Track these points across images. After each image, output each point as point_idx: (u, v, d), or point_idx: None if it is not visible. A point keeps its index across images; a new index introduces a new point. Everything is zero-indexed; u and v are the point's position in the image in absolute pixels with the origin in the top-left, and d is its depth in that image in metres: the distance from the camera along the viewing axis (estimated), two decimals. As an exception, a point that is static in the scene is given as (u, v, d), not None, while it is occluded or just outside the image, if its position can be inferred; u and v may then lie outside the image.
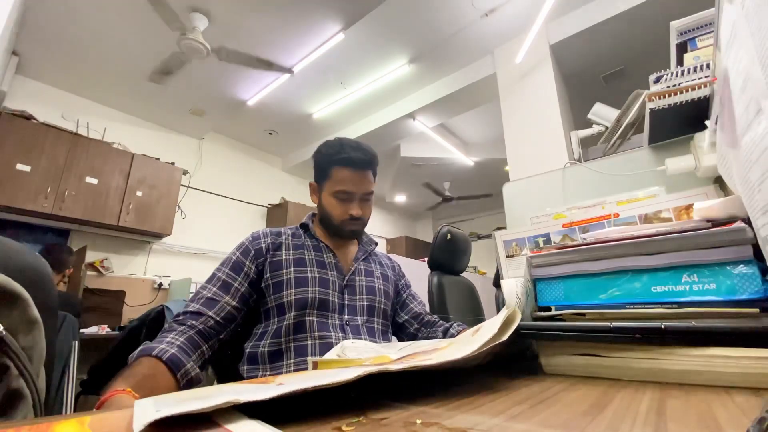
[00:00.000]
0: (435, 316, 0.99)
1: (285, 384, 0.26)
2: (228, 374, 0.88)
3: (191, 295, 0.79)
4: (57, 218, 3.05)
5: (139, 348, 0.65)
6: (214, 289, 0.79)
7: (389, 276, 1.00)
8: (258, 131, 4.47)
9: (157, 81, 3.10)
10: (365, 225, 0.94)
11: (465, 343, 0.36)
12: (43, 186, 2.90)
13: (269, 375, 0.78)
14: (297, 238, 0.92)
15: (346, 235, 0.92)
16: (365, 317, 0.87)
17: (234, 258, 0.85)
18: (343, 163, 0.87)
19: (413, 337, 0.96)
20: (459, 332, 0.89)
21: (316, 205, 0.96)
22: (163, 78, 3.04)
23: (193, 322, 0.73)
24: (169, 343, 0.66)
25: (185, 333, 0.71)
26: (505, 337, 0.32)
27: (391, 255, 1.10)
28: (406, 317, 0.99)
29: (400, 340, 0.99)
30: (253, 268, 0.84)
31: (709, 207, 0.47)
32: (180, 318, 0.74)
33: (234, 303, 0.79)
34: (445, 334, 0.92)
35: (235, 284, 0.81)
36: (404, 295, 1.02)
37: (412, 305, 1.01)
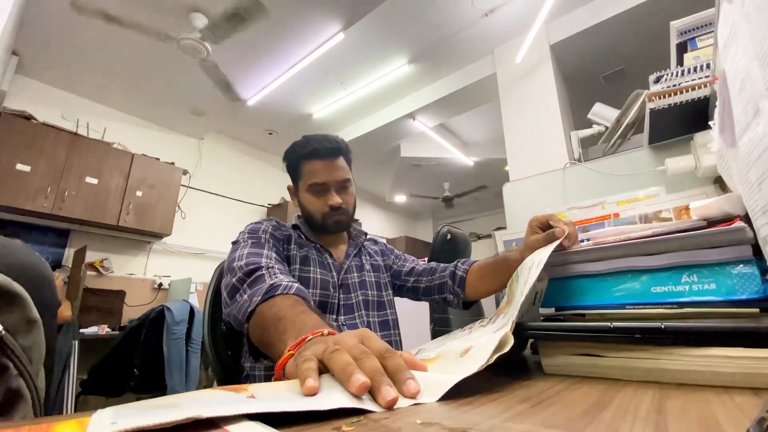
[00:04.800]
0: (432, 263, 0.99)
1: (256, 398, 0.26)
2: (229, 373, 0.88)
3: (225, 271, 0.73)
4: (57, 218, 3.05)
5: (257, 296, 0.61)
6: (274, 254, 0.77)
7: (379, 264, 0.99)
8: (258, 131, 4.47)
9: (233, 99, 3.20)
10: (349, 215, 0.91)
11: (453, 362, 0.36)
12: (43, 186, 2.90)
13: (264, 374, 0.78)
14: (299, 236, 0.92)
15: (331, 228, 0.89)
16: (362, 312, 0.87)
17: (267, 235, 0.83)
18: (311, 156, 0.86)
19: (417, 290, 0.97)
20: (465, 270, 0.90)
21: None
22: (231, 95, 3.13)
23: (278, 265, 0.72)
24: (285, 278, 0.65)
25: (280, 270, 0.70)
26: (493, 360, 0.32)
27: (377, 237, 1.09)
28: (405, 278, 0.99)
29: (416, 300, 1.01)
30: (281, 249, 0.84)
31: (706, 206, 0.47)
32: (252, 267, 0.69)
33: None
34: (453, 276, 0.91)
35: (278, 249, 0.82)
36: (396, 265, 1.03)
37: (404, 267, 1.01)
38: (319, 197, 0.87)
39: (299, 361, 0.33)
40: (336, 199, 0.86)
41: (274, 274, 0.67)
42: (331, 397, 0.27)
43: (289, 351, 0.39)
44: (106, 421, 0.21)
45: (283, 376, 0.37)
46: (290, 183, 0.95)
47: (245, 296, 0.64)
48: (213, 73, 2.88)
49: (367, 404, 0.27)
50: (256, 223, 0.87)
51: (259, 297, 0.60)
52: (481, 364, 0.32)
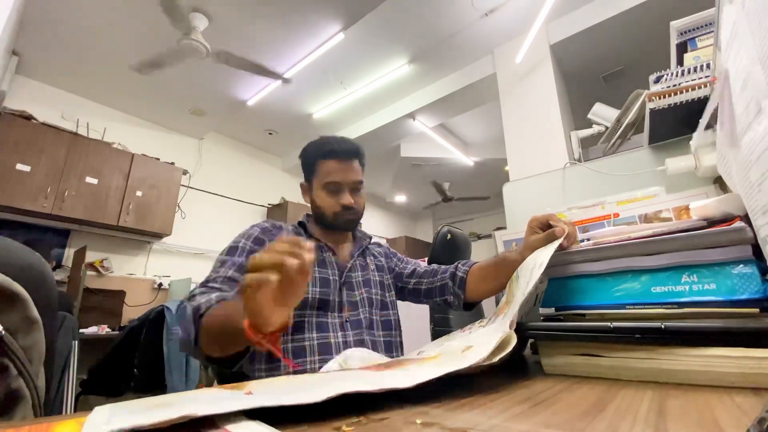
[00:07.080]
0: (433, 265, 1.00)
1: (254, 394, 0.26)
2: (229, 374, 0.88)
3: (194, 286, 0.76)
4: (57, 218, 3.05)
5: (196, 311, 0.63)
6: (231, 272, 0.77)
7: (383, 265, 1.01)
8: (258, 131, 4.47)
9: (142, 72, 2.99)
10: (359, 216, 0.94)
11: (453, 357, 0.36)
12: (43, 186, 2.90)
13: (264, 375, 0.78)
14: (301, 234, 0.93)
15: (341, 226, 0.92)
16: (365, 308, 0.88)
17: (247, 248, 0.83)
18: (328, 156, 0.88)
19: (418, 292, 0.98)
20: (466, 272, 0.90)
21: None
22: (151, 70, 2.96)
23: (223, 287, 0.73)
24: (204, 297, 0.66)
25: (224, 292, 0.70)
26: (495, 359, 0.32)
27: (381, 241, 1.10)
28: (406, 280, 1.00)
29: (417, 302, 1.01)
30: None
31: (705, 205, 0.47)
32: (203, 289, 0.71)
33: None
34: (454, 278, 0.91)
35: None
36: (398, 268, 1.03)
37: (406, 270, 1.02)
38: (332, 196, 0.89)
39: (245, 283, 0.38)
40: (348, 199, 0.88)
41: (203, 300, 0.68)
42: (329, 387, 0.27)
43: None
44: (102, 420, 0.21)
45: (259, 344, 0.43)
46: (302, 180, 0.96)
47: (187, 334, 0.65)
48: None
49: (360, 386, 0.27)
50: (239, 235, 0.87)
51: (194, 330, 0.62)
52: (484, 356, 0.32)
